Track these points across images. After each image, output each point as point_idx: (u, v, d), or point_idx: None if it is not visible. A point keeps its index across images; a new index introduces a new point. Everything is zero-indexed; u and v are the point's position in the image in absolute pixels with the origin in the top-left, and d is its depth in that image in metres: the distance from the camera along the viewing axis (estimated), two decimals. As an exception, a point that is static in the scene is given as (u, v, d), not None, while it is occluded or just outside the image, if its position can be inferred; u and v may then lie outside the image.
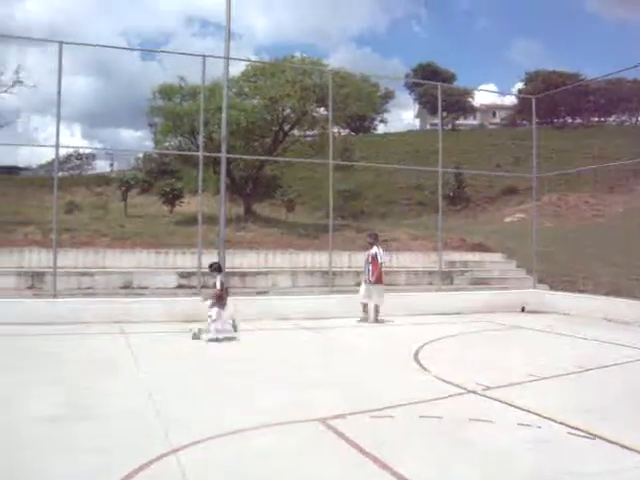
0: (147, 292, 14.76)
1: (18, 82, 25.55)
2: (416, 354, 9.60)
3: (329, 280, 15.32)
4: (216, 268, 11.02)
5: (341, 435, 5.33)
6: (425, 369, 8.49)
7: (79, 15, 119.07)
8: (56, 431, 5.37)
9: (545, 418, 5.91)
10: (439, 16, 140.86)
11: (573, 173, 30.29)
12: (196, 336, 10.51)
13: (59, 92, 13.13)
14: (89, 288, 14.86)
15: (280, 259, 17.95)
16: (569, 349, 10.70)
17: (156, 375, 7.89)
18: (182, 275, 15.82)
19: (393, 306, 14.22)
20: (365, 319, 13.36)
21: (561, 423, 5.74)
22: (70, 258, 15.90)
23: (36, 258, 16.21)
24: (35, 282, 14.87)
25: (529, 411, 6.16)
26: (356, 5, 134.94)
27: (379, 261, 13.29)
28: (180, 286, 15.57)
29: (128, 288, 15.01)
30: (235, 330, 10.75)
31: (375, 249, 13.45)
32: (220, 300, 10.67)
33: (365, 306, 13.47)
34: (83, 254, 16.63)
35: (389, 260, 13.94)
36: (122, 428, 5.49)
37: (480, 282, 18.53)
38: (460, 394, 7.01)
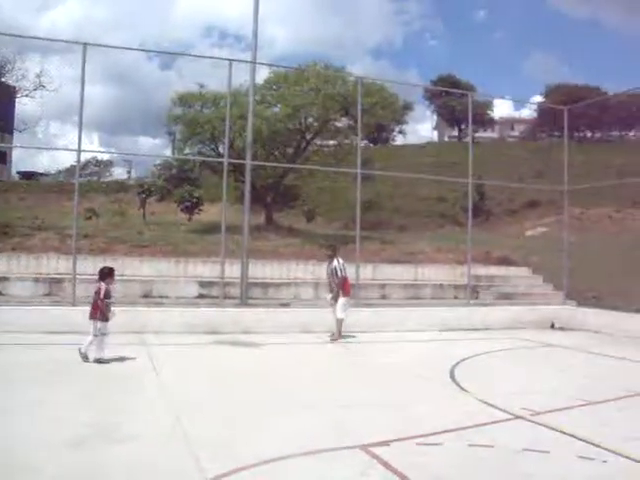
0: (167, 301, 14.40)
1: (40, 86, 25.38)
2: (452, 373, 9.15)
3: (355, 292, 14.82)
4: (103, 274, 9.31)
5: (388, 466, 4.87)
6: (465, 390, 8.01)
7: (99, 27, 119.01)
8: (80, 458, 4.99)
9: (608, 451, 5.39)
10: (454, 29, 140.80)
11: (593, 187, 29.33)
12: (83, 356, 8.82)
13: (82, 94, 12.82)
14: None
15: (302, 270, 17.54)
16: (613, 371, 10.15)
17: (182, 391, 7.49)
18: (202, 284, 15.49)
19: (420, 320, 14.17)
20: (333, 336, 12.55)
21: (627, 457, 5.23)
22: (88, 265, 15.48)
23: (54, 264, 15.93)
24: (53, 289, 14.57)
25: (587, 441, 5.66)
26: (371, 18, 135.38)
27: (339, 275, 12.44)
28: (201, 295, 15.23)
29: (148, 297, 14.66)
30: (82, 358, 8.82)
31: (335, 263, 12.62)
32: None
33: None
34: (101, 261, 16.29)
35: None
36: (149, 454, 5.08)
37: (506, 297, 18.01)
38: (508, 420, 6.54)
